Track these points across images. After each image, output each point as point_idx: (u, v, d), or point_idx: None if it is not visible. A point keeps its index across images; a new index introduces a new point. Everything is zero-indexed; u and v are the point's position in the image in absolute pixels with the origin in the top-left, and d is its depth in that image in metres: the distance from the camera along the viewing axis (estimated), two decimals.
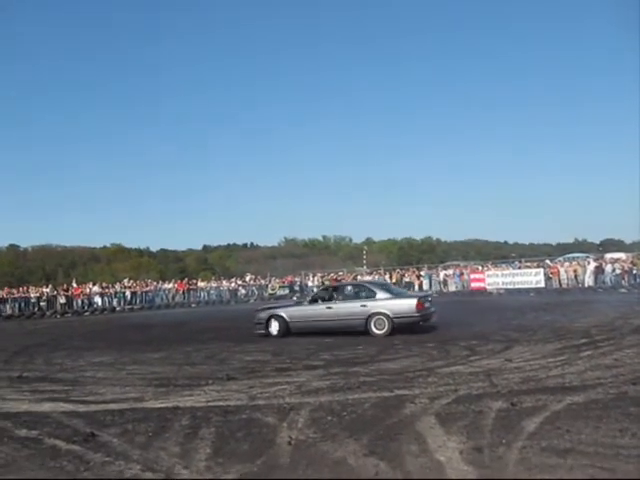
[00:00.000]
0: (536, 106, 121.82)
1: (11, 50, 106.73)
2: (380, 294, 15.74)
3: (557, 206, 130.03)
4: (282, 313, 16.68)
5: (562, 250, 67.01)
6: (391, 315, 14.97)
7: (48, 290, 36.99)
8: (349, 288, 17.20)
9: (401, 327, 14.89)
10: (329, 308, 16.01)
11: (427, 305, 15.68)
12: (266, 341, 14.81)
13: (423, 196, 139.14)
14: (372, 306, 15.33)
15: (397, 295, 16.16)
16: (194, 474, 4.69)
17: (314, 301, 16.91)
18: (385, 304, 15.30)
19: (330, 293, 17.09)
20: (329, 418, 6.32)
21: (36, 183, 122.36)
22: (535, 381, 7.90)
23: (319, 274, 47.20)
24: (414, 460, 4.77)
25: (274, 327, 16.36)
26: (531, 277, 35.16)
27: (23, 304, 35.10)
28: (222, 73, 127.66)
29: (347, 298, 16.25)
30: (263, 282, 45.04)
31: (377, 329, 15.01)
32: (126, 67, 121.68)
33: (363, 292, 16.25)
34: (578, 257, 42.64)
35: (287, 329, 16.29)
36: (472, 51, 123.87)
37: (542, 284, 34.22)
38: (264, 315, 16.86)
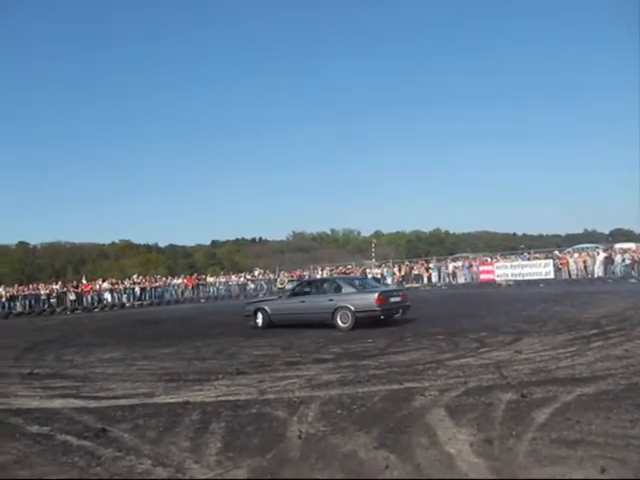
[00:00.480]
0: (542, 98, 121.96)
1: (11, 46, 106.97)
2: (345, 288, 16.29)
3: (566, 197, 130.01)
4: (265, 306, 17.74)
5: (571, 241, 66.84)
6: (353, 309, 15.36)
7: (58, 287, 37.16)
8: (321, 283, 18.49)
9: (363, 321, 15.30)
10: (302, 302, 16.81)
11: (393, 300, 15.95)
12: (275, 335, 14.82)
13: (431, 188, 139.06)
14: (337, 300, 15.85)
15: (362, 290, 16.39)
16: (204, 469, 4.69)
17: (293, 295, 17.86)
18: (349, 298, 15.72)
19: (306, 287, 18.12)
20: (339, 411, 6.32)
21: (44, 181, 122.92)
22: (545, 372, 7.88)
23: (328, 268, 47.27)
24: (424, 452, 4.76)
25: (259, 319, 17.43)
26: (540, 268, 35.10)
27: (33, 301, 35.27)
28: (223, 69, 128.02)
29: (318, 292, 17.03)
30: (272, 276, 45.15)
31: (342, 323, 15.48)
32: (130, 61, 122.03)
33: (332, 287, 16.90)
34: (587, 248, 42.48)
35: (270, 321, 17.23)
36: (476, 45, 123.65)
37: (551, 275, 34.18)
38: (251, 308, 18.03)
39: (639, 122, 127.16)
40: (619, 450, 4.57)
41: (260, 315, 17.49)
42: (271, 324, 17.13)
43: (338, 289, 16.43)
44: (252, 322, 17.53)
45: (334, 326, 15.44)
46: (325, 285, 17.55)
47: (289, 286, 37.57)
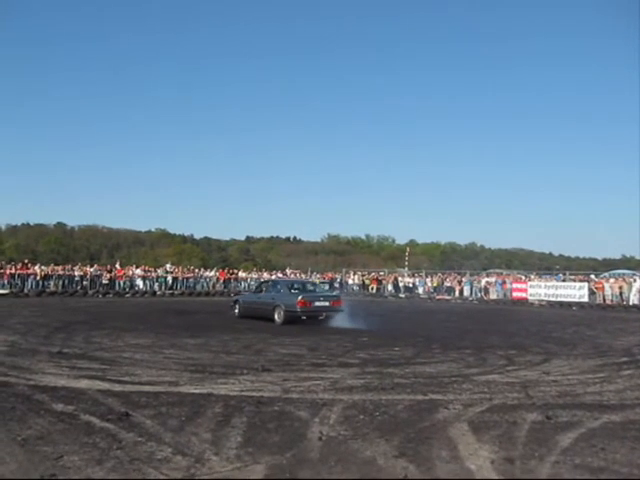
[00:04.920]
0: (583, 121, 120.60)
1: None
2: (283, 290, 19.41)
3: (605, 221, 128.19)
4: (240, 299, 21.43)
5: (608, 265, 66.00)
6: (284, 308, 18.03)
7: (92, 270, 37.62)
8: (272, 283, 21.63)
9: (290, 319, 17.86)
10: (259, 298, 20.04)
11: (318, 304, 18.23)
12: (302, 335, 14.86)
13: (469, 201, 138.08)
14: (276, 299, 18.68)
15: (294, 292, 19.04)
16: (224, 461, 4.71)
17: (255, 292, 21.78)
18: (283, 299, 18.49)
19: (264, 286, 21.57)
20: (361, 417, 6.31)
21: (85, 164, 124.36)
22: (572, 396, 7.77)
23: (359, 272, 47.20)
24: (444, 466, 4.73)
25: (236, 309, 20.62)
26: (574, 291, 34.53)
27: (67, 281, 35.70)
28: (267, 65, 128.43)
29: (268, 290, 20.17)
30: (304, 277, 45.16)
31: (277, 318, 18.16)
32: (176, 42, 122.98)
33: (276, 287, 20.12)
34: (624, 274, 41.81)
35: (243, 312, 20.11)
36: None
37: (585, 298, 33.59)
38: (234, 299, 22.03)
39: None
40: None
41: (237, 306, 20.69)
42: (244, 314, 19.89)
43: (279, 290, 19.53)
44: (233, 312, 20.67)
45: (273, 320, 18.17)
46: (273, 285, 20.70)
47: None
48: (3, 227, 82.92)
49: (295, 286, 20.25)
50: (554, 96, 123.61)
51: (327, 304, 18.45)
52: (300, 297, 18.03)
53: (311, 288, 20.96)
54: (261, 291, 20.89)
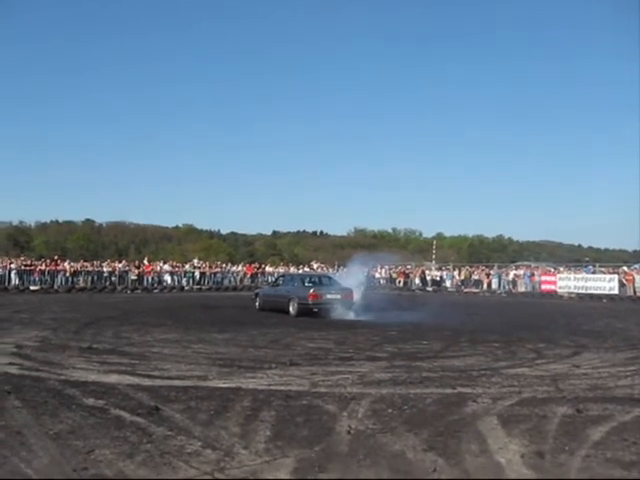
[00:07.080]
0: (615, 111, 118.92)
1: None
2: (298, 283, 20.20)
3: (636, 212, 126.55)
4: (260, 292, 22.42)
5: (639, 257, 65.00)
6: (297, 300, 18.82)
7: (120, 266, 37.88)
8: (288, 277, 22.91)
9: (304, 311, 18.49)
10: (276, 291, 20.82)
11: (329, 297, 18.87)
12: (329, 329, 14.85)
13: (496, 194, 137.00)
14: (291, 292, 19.55)
15: (307, 286, 19.67)
16: (253, 455, 4.73)
17: (274, 285, 22.40)
18: (297, 291, 19.31)
19: (281, 279, 22.39)
20: (389, 410, 6.30)
21: (113, 160, 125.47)
22: (603, 389, 7.69)
23: (387, 266, 47.01)
24: (473, 459, 4.70)
25: (257, 302, 21.57)
26: (604, 283, 34.07)
27: (96, 277, 36.08)
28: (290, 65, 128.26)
29: (285, 284, 20.96)
30: (331, 271, 45.09)
31: (292, 310, 18.93)
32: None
33: (292, 280, 21.12)
34: None
35: (263, 304, 21.11)
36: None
37: (615, 291, 33.12)
38: (255, 292, 22.90)
39: None
40: None
41: (258, 299, 21.64)
42: (263, 307, 20.91)
43: (294, 283, 20.40)
44: (254, 304, 21.56)
45: (287, 312, 18.97)
46: (289, 279, 21.73)
47: None
48: (33, 225, 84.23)
49: (309, 279, 21.04)
50: (572, 89, 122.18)
51: (338, 297, 18.98)
52: (312, 290, 18.91)
53: (325, 282, 21.15)
54: (278, 285, 21.65)
